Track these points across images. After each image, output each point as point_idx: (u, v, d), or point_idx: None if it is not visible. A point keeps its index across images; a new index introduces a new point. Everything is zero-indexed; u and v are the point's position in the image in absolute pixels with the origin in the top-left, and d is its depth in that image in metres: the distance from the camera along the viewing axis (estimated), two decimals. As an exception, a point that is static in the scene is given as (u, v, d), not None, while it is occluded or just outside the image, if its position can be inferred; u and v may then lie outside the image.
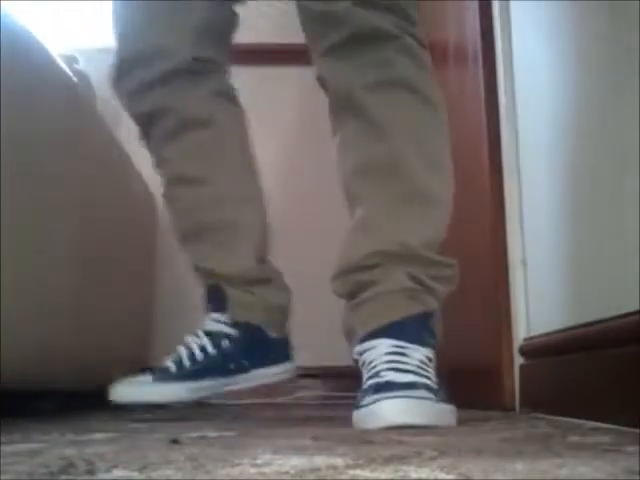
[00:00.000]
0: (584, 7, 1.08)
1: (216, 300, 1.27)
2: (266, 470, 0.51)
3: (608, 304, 0.98)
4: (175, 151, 1.25)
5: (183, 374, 1.23)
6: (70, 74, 1.51)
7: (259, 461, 0.56)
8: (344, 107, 1.11)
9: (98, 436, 0.84)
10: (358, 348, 1.04)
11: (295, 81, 2.21)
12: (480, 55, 1.52)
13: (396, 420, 0.88)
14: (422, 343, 1.01)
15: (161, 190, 1.31)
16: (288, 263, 2.21)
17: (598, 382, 0.96)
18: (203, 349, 1.24)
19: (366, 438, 0.76)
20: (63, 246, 1.36)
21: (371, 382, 0.97)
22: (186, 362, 1.23)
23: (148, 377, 1.22)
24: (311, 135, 2.14)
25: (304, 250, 2.20)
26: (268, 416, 1.37)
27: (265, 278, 1.31)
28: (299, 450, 0.63)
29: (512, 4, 1.44)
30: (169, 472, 0.51)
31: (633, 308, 0.89)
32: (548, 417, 1.09)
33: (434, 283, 1.06)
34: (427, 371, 0.98)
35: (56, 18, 2.19)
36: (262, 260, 1.33)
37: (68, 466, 0.54)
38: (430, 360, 1.01)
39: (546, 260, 1.26)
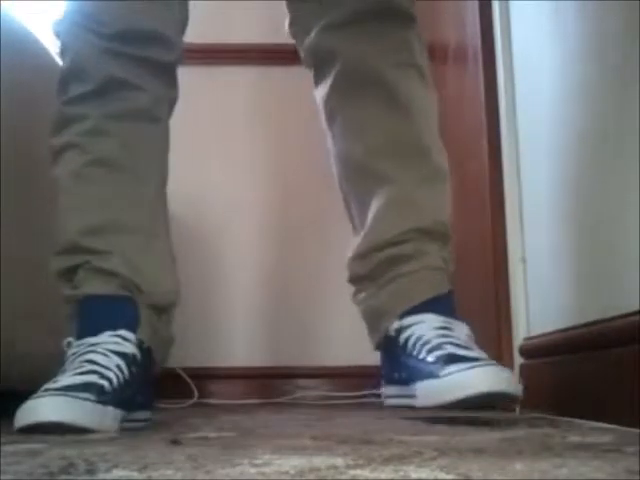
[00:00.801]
0: (584, 7, 1.08)
1: (120, 314, 1.01)
2: (266, 470, 0.51)
3: (608, 304, 0.98)
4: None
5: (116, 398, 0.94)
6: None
7: (259, 461, 0.56)
8: (366, 82, 1.10)
9: (98, 436, 0.84)
10: (397, 324, 1.03)
11: (294, 81, 2.21)
12: (480, 55, 1.52)
13: (492, 387, 0.88)
14: (459, 317, 1.04)
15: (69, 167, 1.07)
16: (287, 263, 2.22)
17: (598, 382, 0.96)
18: (121, 372, 0.96)
19: (366, 438, 0.76)
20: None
21: (438, 353, 0.96)
22: (115, 384, 0.94)
23: (87, 395, 0.89)
24: (312, 135, 2.14)
25: (303, 250, 2.20)
26: (268, 416, 1.37)
27: (174, 304, 1.09)
28: (299, 450, 0.63)
29: (512, 4, 1.44)
30: (169, 472, 0.51)
31: (633, 308, 0.89)
32: (548, 417, 1.09)
33: (450, 263, 1.10)
34: (476, 346, 0.99)
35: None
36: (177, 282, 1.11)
37: (68, 466, 0.54)
38: (470, 335, 1.03)
39: (546, 260, 1.26)
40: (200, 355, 2.07)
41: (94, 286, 1.02)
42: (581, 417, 1.00)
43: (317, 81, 1.18)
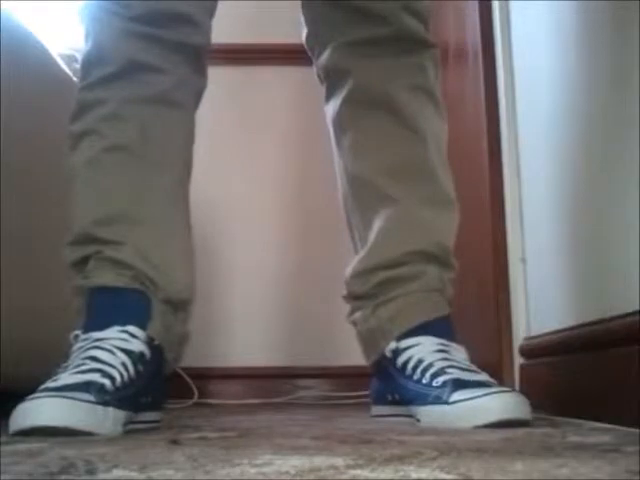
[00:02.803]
0: (584, 7, 1.08)
1: (130, 309, 0.98)
2: (266, 470, 0.51)
3: (608, 304, 0.98)
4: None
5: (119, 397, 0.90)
6: (69, 73, 1.51)
7: (259, 461, 0.56)
8: (377, 103, 1.11)
9: (98, 436, 0.84)
10: (393, 345, 1.04)
11: (295, 81, 2.21)
12: (480, 55, 1.52)
13: (504, 416, 0.88)
14: (457, 341, 1.04)
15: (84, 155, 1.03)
16: (287, 264, 2.22)
17: (598, 382, 0.96)
18: (126, 370, 0.92)
19: (366, 438, 0.76)
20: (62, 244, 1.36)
21: (443, 379, 0.96)
22: (119, 383, 0.90)
23: (87, 395, 0.85)
24: (311, 135, 2.14)
25: (303, 250, 2.20)
26: (268, 416, 1.37)
27: (190, 301, 1.06)
28: (299, 450, 0.63)
29: (512, 4, 1.44)
30: (169, 472, 0.51)
31: (633, 308, 0.89)
32: (548, 417, 1.09)
33: (449, 286, 1.10)
34: (477, 369, 1.00)
35: (56, 18, 2.19)
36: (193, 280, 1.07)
37: (68, 466, 0.54)
38: (466, 357, 1.03)
39: (546, 260, 1.26)
40: (200, 355, 2.07)
41: (105, 277, 0.98)
42: (581, 417, 1.00)
43: (328, 97, 1.18)
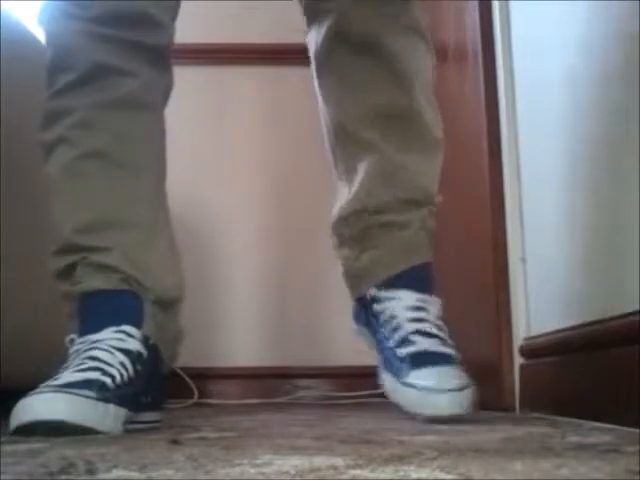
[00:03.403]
0: (584, 7, 1.08)
1: (123, 310, 0.98)
2: (266, 470, 0.51)
3: (608, 304, 0.98)
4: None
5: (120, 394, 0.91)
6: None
7: (259, 461, 0.56)
8: (366, 48, 1.09)
9: (98, 436, 0.84)
10: (375, 293, 1.07)
11: (298, 82, 2.21)
12: (480, 55, 1.52)
13: (448, 411, 0.96)
14: (435, 292, 1.08)
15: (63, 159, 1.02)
16: (287, 264, 2.22)
17: (598, 382, 0.96)
18: (125, 369, 0.93)
19: (366, 438, 0.76)
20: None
21: (406, 350, 1.01)
22: (119, 381, 0.91)
23: (88, 392, 0.86)
24: (311, 135, 2.14)
25: (303, 250, 2.20)
26: (268, 416, 1.37)
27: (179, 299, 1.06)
28: (299, 450, 0.63)
29: (512, 4, 1.44)
30: (169, 472, 0.51)
31: (633, 308, 0.88)
32: (548, 417, 1.09)
33: (432, 221, 1.13)
34: (445, 331, 1.04)
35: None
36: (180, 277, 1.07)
37: (68, 466, 0.54)
38: (441, 312, 1.07)
39: (546, 260, 1.26)
40: (200, 355, 2.07)
41: (95, 282, 0.98)
42: (581, 417, 0.99)
43: (309, 24, 1.15)
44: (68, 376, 0.88)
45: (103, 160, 1.01)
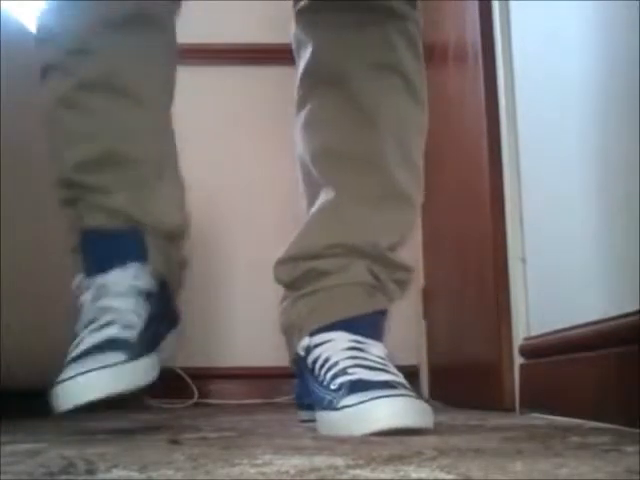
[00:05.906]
0: (584, 7, 1.08)
1: (128, 247, 0.94)
2: (266, 470, 0.51)
3: (608, 304, 0.98)
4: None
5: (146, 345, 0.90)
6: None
7: (259, 461, 0.56)
8: (331, 82, 1.01)
9: (98, 436, 0.84)
10: (306, 342, 0.95)
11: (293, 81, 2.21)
12: (480, 55, 1.52)
13: (394, 423, 0.79)
14: (378, 339, 0.94)
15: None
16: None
17: (598, 382, 0.96)
18: (141, 310, 0.92)
19: (366, 438, 0.76)
20: (63, 245, 1.36)
21: (341, 380, 0.87)
22: (140, 329, 0.90)
23: (117, 355, 0.85)
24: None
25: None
26: (268, 416, 1.37)
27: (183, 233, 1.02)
28: (299, 450, 0.63)
29: (512, 4, 1.44)
30: (169, 472, 0.51)
31: (633, 308, 0.89)
32: (548, 417, 1.09)
33: (392, 284, 0.99)
34: (392, 367, 0.90)
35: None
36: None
37: (68, 466, 0.54)
38: (387, 356, 0.92)
39: (546, 260, 1.26)
40: (200, 355, 2.07)
41: (97, 220, 0.94)
42: (581, 417, 0.99)
43: (297, 62, 1.08)
44: (89, 338, 0.86)
45: (102, 89, 0.93)
